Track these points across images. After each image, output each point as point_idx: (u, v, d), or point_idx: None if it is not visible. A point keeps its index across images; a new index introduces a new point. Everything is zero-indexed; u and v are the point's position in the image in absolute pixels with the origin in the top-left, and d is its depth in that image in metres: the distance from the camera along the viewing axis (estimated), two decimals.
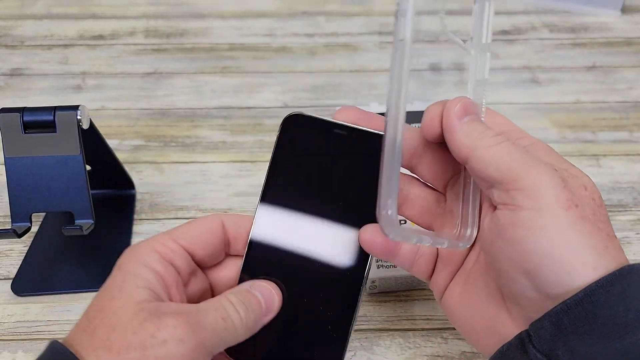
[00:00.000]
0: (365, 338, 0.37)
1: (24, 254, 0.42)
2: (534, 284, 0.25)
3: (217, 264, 0.30)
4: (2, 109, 0.37)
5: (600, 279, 0.24)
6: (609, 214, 0.45)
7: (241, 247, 0.30)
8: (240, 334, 0.27)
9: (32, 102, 0.44)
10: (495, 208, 0.27)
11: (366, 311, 0.38)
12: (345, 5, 0.71)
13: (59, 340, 0.25)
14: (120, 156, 0.45)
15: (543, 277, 0.25)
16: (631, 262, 0.25)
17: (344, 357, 0.29)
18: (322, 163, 0.30)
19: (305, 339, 0.30)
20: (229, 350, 0.29)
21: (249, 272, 0.30)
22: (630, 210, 0.46)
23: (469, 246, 0.28)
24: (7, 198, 0.37)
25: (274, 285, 0.29)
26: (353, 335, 0.37)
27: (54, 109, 0.37)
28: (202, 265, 0.30)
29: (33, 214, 0.37)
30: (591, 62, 0.62)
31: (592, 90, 0.58)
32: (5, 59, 0.62)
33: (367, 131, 0.29)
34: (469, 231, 0.28)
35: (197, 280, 0.29)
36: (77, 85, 0.59)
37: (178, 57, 0.63)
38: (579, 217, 0.24)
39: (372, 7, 0.71)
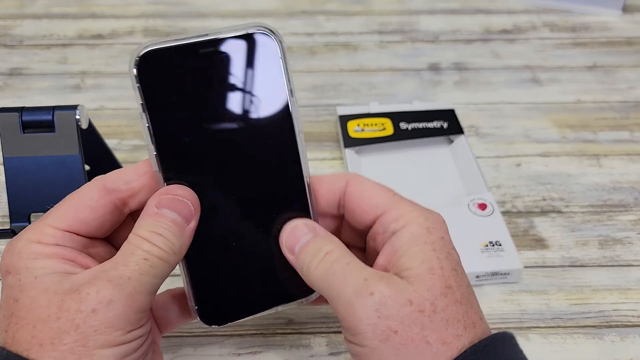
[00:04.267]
0: None
1: None
2: None
3: (118, 227, 0.28)
4: (1, 108, 0.37)
5: None
6: (610, 214, 0.45)
7: (142, 201, 0.27)
8: (172, 261, 0.25)
9: (31, 102, 0.44)
10: None
11: None
12: (345, 5, 0.71)
13: None
14: (119, 156, 0.45)
15: None
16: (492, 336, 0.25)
17: None
18: (203, 89, 0.26)
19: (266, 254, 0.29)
20: (204, 317, 0.29)
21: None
22: (632, 210, 0.46)
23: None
24: (6, 198, 0.37)
25: (181, 188, 0.26)
26: None
27: (53, 108, 0.37)
28: (95, 237, 0.27)
29: (32, 214, 0.37)
30: (592, 61, 0.62)
31: (592, 90, 0.58)
32: (4, 59, 0.62)
33: (231, 36, 0.26)
34: None
35: (98, 249, 0.27)
36: (76, 85, 0.58)
37: None
38: (401, 344, 0.24)
39: (372, 6, 0.71)
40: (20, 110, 0.37)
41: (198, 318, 0.29)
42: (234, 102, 0.27)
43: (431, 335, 0.24)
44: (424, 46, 0.64)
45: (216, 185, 0.27)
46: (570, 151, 0.51)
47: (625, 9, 0.69)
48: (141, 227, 0.25)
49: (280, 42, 0.27)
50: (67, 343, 0.23)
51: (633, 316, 0.38)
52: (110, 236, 0.28)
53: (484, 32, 0.66)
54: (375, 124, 0.50)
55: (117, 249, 0.27)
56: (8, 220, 0.37)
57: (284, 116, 0.27)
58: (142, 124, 0.26)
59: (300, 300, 0.30)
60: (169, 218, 0.25)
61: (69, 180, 0.37)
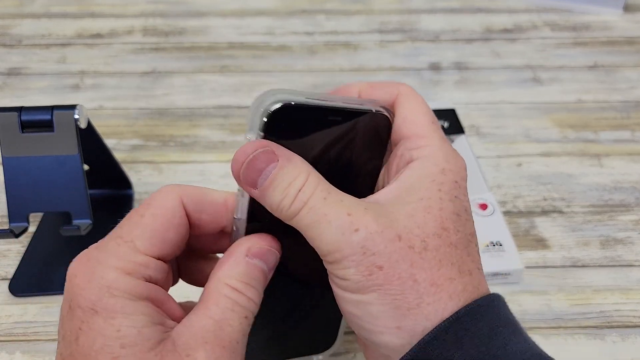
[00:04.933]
0: None
1: (22, 254, 0.42)
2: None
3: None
4: (0, 108, 0.37)
5: (433, 329, 0.22)
6: (612, 214, 0.45)
7: (204, 231, 0.26)
8: (256, 313, 0.25)
9: (30, 102, 0.44)
10: None
11: None
12: (345, 4, 0.71)
13: None
14: (118, 156, 0.45)
15: (363, 341, 0.25)
16: (488, 293, 0.24)
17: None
18: (319, 151, 0.26)
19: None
20: None
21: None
22: (632, 210, 0.45)
23: None
24: (5, 198, 0.37)
25: (269, 238, 0.25)
26: (353, 337, 0.37)
27: (52, 108, 0.37)
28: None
29: (31, 214, 0.37)
30: (592, 61, 0.62)
31: (593, 90, 0.58)
32: (3, 58, 0.62)
33: (361, 110, 0.26)
34: None
35: (168, 277, 0.25)
36: (75, 85, 0.58)
37: (177, 56, 0.62)
38: (385, 280, 0.22)
39: (372, 5, 0.71)
40: (19, 109, 0.37)
41: None
42: (341, 170, 0.26)
43: (420, 273, 0.22)
44: (425, 45, 0.64)
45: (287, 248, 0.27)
46: (571, 151, 0.51)
47: (626, 9, 0.69)
48: (232, 276, 0.24)
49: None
50: None
51: (634, 316, 0.38)
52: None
53: (485, 32, 0.66)
54: None
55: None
56: (7, 220, 0.37)
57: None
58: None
59: (317, 355, 0.31)
60: (260, 269, 0.24)
61: (68, 180, 0.37)
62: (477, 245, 0.25)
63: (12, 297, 0.40)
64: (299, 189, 0.23)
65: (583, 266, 0.41)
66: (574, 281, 0.40)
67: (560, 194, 0.47)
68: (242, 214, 0.25)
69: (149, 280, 0.23)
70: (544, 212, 0.45)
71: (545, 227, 0.44)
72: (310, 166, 0.24)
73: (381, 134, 0.26)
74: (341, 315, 0.31)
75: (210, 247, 0.28)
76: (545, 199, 0.46)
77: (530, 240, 0.43)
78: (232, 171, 0.24)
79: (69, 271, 0.23)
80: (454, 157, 0.26)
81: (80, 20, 0.68)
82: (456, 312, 0.22)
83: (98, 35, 0.65)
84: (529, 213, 0.45)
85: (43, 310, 0.39)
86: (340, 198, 0.23)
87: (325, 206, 0.23)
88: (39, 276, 0.41)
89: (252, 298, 0.24)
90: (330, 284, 0.25)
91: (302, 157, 0.24)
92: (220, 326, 0.22)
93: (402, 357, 0.22)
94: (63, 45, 0.64)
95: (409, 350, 0.22)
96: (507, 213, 0.45)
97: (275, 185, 0.23)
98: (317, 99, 0.25)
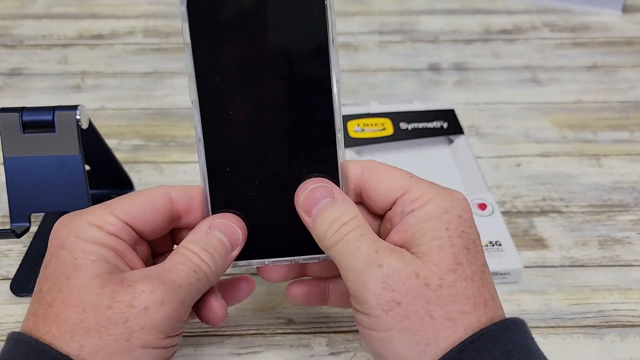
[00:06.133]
0: None
1: (23, 254, 0.42)
2: None
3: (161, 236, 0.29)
4: (1, 108, 0.37)
5: (447, 352, 0.24)
6: (610, 214, 0.45)
7: (193, 220, 0.29)
8: (212, 280, 0.27)
9: (31, 102, 0.44)
10: None
11: None
12: (345, 4, 0.71)
13: (21, 331, 0.24)
14: (119, 156, 0.45)
15: None
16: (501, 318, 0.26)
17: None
18: (251, 39, 0.27)
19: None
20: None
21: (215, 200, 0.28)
22: (631, 210, 0.46)
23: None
24: (6, 198, 0.37)
25: (234, 217, 0.28)
26: (352, 336, 0.37)
27: (53, 108, 0.37)
28: (142, 237, 0.28)
29: (32, 214, 0.37)
30: (592, 61, 0.62)
31: (592, 90, 0.58)
32: (4, 59, 0.62)
33: None
34: None
35: (142, 248, 0.28)
36: (76, 85, 0.59)
37: (177, 57, 0.63)
38: (403, 316, 0.25)
39: (372, 6, 0.71)
40: (21, 110, 0.37)
41: None
42: (276, 46, 0.28)
43: (436, 309, 0.24)
44: (424, 46, 0.64)
45: (249, 127, 0.28)
46: (570, 151, 0.51)
47: (625, 9, 0.69)
48: (192, 242, 0.27)
49: None
50: (112, 334, 0.23)
51: (633, 316, 0.38)
52: (150, 241, 0.29)
53: (484, 32, 0.66)
54: (375, 124, 0.50)
55: (154, 254, 0.29)
56: (8, 220, 0.37)
57: (323, 64, 0.28)
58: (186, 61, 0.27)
59: (318, 256, 0.30)
60: (219, 240, 0.27)
61: (69, 180, 0.37)
62: (490, 273, 0.27)
63: (13, 296, 0.40)
64: (343, 223, 0.26)
65: (582, 266, 0.42)
66: (573, 281, 0.41)
67: (559, 194, 0.47)
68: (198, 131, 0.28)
69: (116, 236, 0.26)
70: (543, 212, 0.46)
71: (544, 227, 0.44)
72: (358, 210, 0.27)
73: (317, 4, 0.29)
74: None
75: None
76: (544, 199, 0.47)
77: (529, 240, 0.43)
78: (295, 197, 0.28)
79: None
80: (450, 193, 0.28)
81: (81, 21, 0.68)
82: (470, 337, 0.24)
83: (99, 36, 0.65)
84: (528, 213, 0.45)
85: None
86: (375, 238, 0.26)
87: (361, 242, 0.26)
88: None
89: (206, 260, 0.26)
90: (357, 327, 0.27)
91: (240, 43, 0.27)
92: (168, 271, 0.25)
93: None
94: (64, 45, 0.64)
95: None
96: (506, 213, 0.45)
97: (325, 216, 0.27)
98: None
